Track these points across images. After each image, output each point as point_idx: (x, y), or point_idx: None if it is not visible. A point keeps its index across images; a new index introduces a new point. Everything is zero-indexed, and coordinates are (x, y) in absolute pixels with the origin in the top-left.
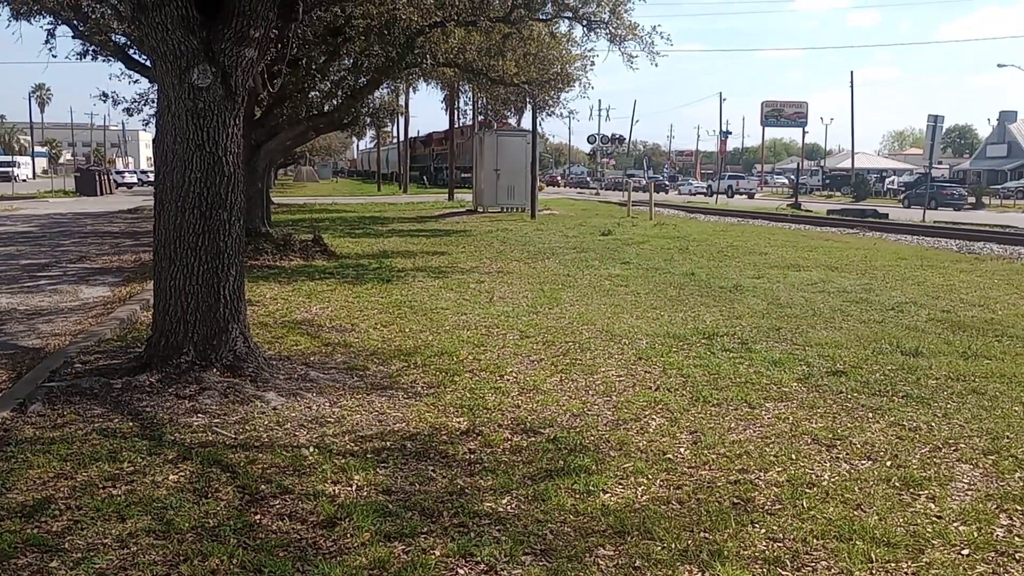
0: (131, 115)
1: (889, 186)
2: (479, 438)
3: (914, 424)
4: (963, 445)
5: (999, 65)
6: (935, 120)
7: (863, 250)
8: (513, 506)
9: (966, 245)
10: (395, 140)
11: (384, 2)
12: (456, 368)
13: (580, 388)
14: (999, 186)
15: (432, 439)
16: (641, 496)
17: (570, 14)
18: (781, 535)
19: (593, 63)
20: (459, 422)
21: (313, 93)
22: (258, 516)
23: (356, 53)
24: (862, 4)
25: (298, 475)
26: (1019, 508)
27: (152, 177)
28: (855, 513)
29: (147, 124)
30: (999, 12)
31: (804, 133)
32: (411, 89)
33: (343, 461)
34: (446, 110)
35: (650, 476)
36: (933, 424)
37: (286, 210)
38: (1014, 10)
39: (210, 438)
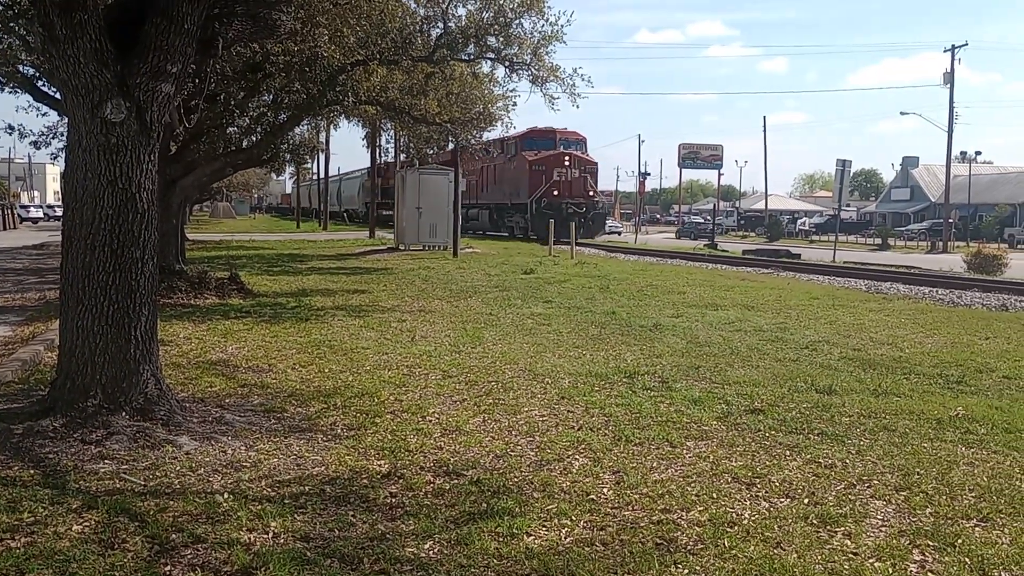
0: (38, 148)
1: (801, 227)
2: (401, 481)
3: (829, 461)
4: (876, 481)
5: (902, 113)
6: (843, 164)
7: (777, 289)
8: (436, 551)
9: (874, 285)
10: (314, 176)
11: (305, 40)
12: (377, 409)
13: (503, 428)
14: (903, 228)
15: (352, 483)
16: (565, 538)
17: (492, 55)
18: (704, 575)
19: (515, 103)
20: (380, 465)
21: (231, 129)
22: (168, 567)
23: (276, 90)
24: (771, 52)
25: (211, 523)
26: (931, 544)
27: (59, 212)
28: (775, 551)
29: (55, 158)
30: (900, 63)
31: (720, 175)
32: (332, 126)
33: (259, 507)
34: (367, 147)
35: (574, 517)
36: (847, 461)
37: (201, 247)
38: (913, 62)
39: (118, 485)
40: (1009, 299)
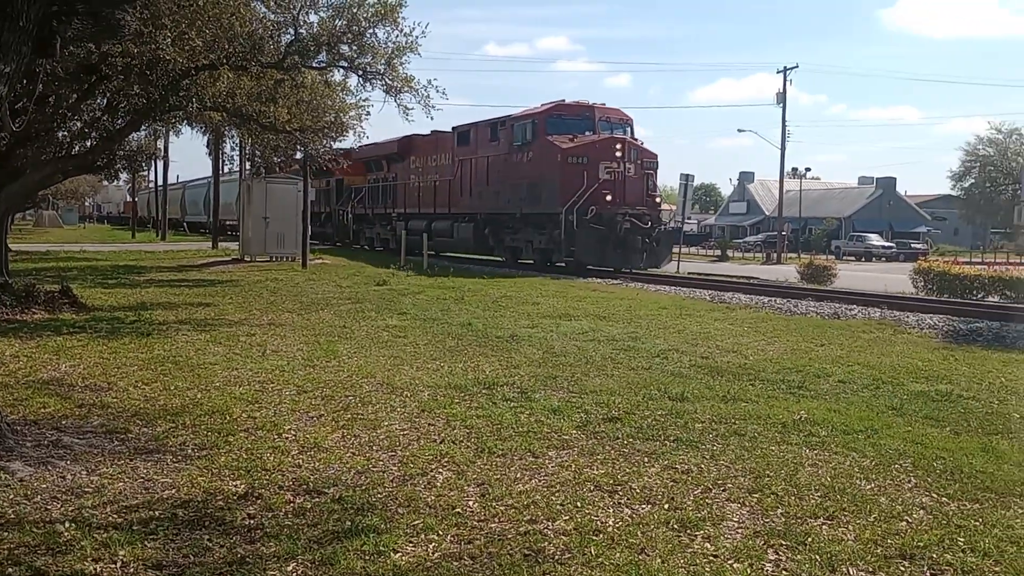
0: None
1: None
2: (259, 501)
3: (686, 467)
4: (731, 485)
5: (739, 130)
6: (687, 179)
7: (627, 300)
8: (299, 572)
9: (717, 295)
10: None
11: (147, 42)
12: (230, 427)
13: (364, 444)
14: (741, 240)
15: (207, 505)
16: (432, 553)
17: (345, 64)
18: None
19: (368, 113)
20: (236, 485)
21: (62, 133)
22: None
23: (112, 93)
24: (616, 68)
25: (52, 554)
26: (784, 543)
27: None
28: (640, 557)
29: None
30: (735, 84)
31: None
32: (173, 133)
33: (105, 535)
34: (210, 154)
35: (440, 532)
36: (703, 466)
37: (27, 258)
38: (748, 83)
39: None
40: (840, 308)
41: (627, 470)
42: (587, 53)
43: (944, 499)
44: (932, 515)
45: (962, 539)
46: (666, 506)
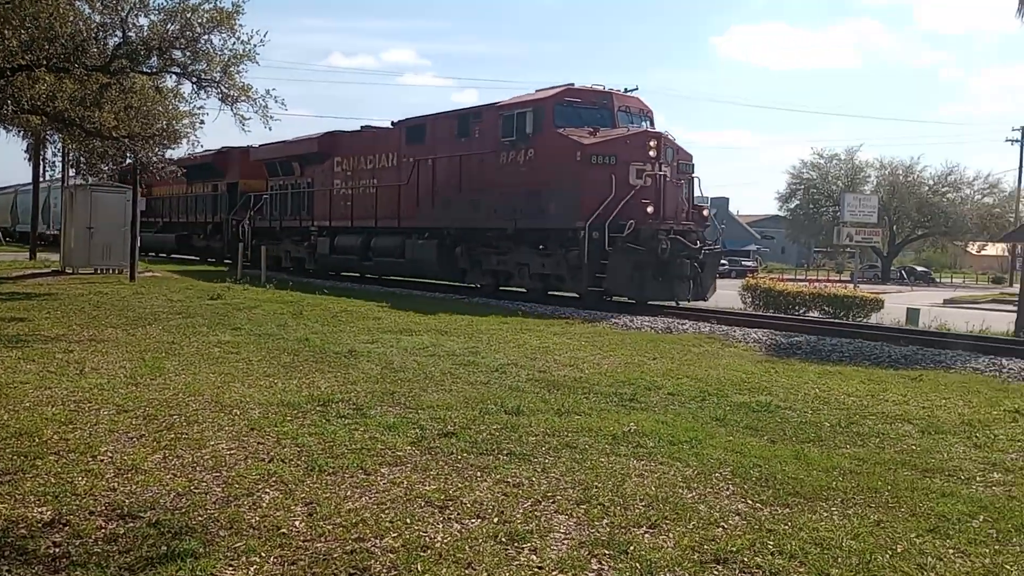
0: None
1: None
2: (67, 528)
3: (518, 480)
4: (560, 497)
5: None
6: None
7: (469, 314)
8: None
9: (557, 309)
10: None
11: None
12: (38, 450)
13: (186, 464)
14: None
15: (7, 534)
16: (255, 575)
17: (178, 69)
18: None
19: (203, 121)
20: (42, 512)
21: None
22: None
23: None
24: (464, 83)
25: None
26: (607, 552)
27: None
28: (466, 572)
29: None
30: None
31: None
32: None
33: None
34: (30, 160)
35: (263, 554)
36: (534, 479)
37: None
38: None
39: None
40: (672, 322)
41: (459, 485)
42: (434, 68)
43: (758, 505)
44: (746, 520)
45: (772, 542)
46: (495, 520)
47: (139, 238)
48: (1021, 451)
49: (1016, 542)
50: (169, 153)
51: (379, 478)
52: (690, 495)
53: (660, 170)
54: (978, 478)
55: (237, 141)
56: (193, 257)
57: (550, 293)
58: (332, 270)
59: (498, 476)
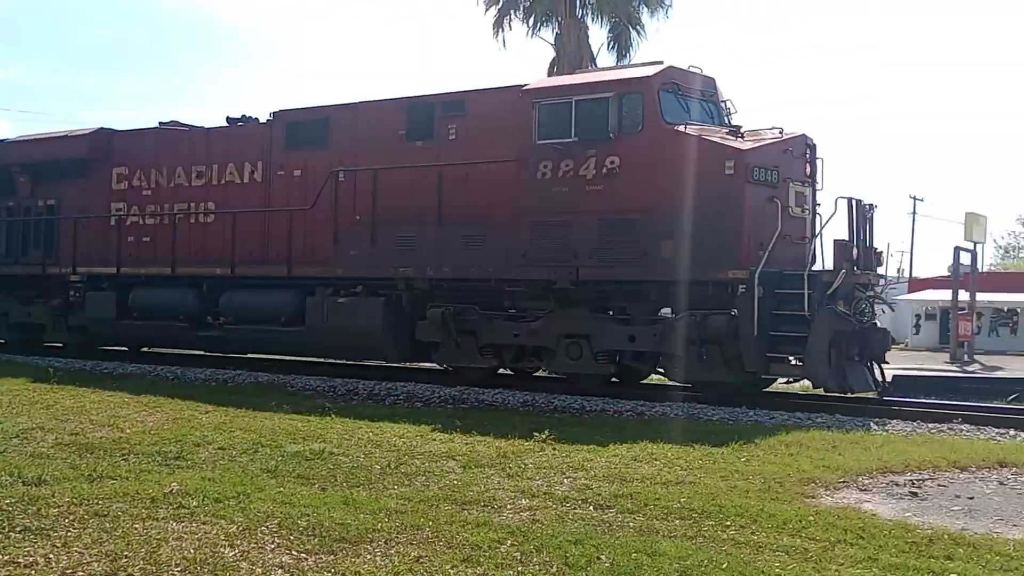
0: None
1: None
2: None
3: (31, 559)
4: (82, 572)
5: None
6: None
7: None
8: None
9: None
10: None
11: None
12: None
13: None
14: None
15: None
16: None
17: None
18: None
19: None
20: None
21: None
22: None
23: None
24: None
25: None
26: None
27: None
28: None
29: None
30: None
31: None
32: None
33: None
34: None
35: None
36: (51, 555)
37: None
38: None
39: None
40: (228, 373)
41: None
42: None
43: (303, 555)
44: (290, 572)
45: None
46: None
47: None
48: (545, 478)
49: (536, 561)
50: None
51: None
52: (232, 553)
53: (814, 193)
54: (508, 506)
55: None
56: None
57: (626, 381)
58: (118, 343)
59: (7, 556)
